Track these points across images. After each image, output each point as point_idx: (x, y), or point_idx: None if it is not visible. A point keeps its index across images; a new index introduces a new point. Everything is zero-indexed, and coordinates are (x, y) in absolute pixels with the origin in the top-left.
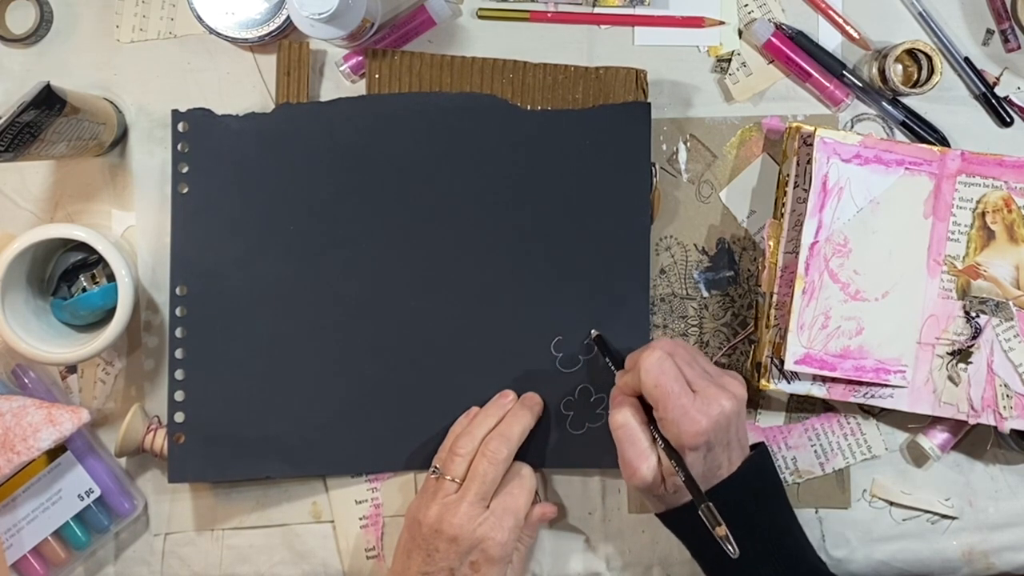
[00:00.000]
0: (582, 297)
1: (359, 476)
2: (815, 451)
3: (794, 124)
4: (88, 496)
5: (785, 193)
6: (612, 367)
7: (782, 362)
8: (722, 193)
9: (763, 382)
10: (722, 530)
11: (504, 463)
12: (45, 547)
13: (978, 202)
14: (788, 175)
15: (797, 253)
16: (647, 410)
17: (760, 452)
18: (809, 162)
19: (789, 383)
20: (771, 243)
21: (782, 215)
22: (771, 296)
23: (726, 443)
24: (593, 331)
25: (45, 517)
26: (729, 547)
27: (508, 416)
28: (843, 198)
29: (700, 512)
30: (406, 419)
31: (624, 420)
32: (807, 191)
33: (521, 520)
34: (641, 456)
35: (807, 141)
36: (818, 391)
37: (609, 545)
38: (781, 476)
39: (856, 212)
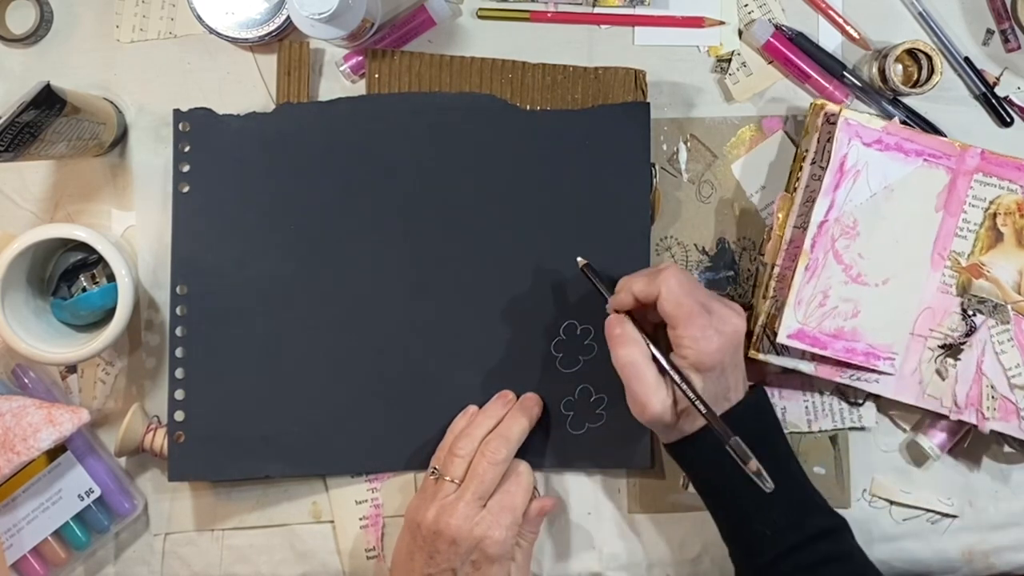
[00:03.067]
0: (583, 297)
1: (359, 476)
2: (806, 407)
3: (819, 101)
4: (88, 496)
5: (801, 168)
6: (604, 294)
7: (775, 334)
8: (734, 165)
9: (752, 351)
10: (754, 465)
11: (503, 464)
12: (45, 547)
13: (991, 202)
14: (807, 151)
15: (805, 229)
16: (650, 339)
17: (757, 386)
18: (830, 140)
19: (779, 355)
20: (780, 215)
21: (795, 189)
22: (773, 267)
23: (735, 364)
24: (580, 259)
25: (45, 517)
26: (765, 483)
27: (507, 417)
28: (858, 181)
29: (728, 448)
30: (406, 419)
31: (630, 357)
32: (824, 169)
33: (519, 517)
34: (650, 390)
35: (830, 120)
36: (806, 367)
37: (609, 545)
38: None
39: (869, 196)
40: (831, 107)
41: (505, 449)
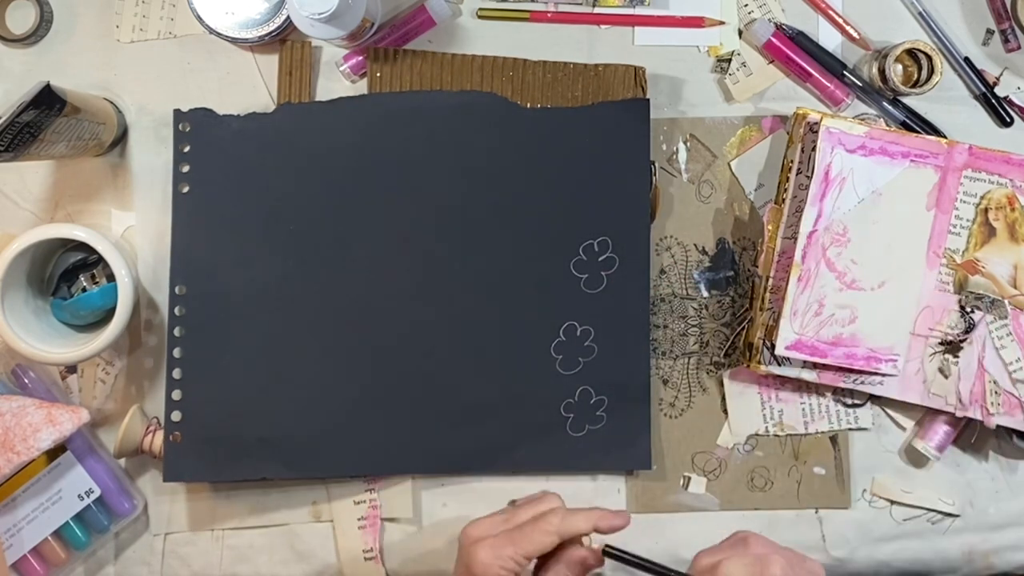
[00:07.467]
0: (582, 298)
1: (357, 477)
2: (803, 409)
3: (801, 110)
4: (88, 496)
5: (788, 178)
6: (660, 569)
7: (774, 345)
8: (733, 163)
9: (753, 363)
10: None
11: (548, 535)
12: (45, 547)
13: (982, 198)
14: (792, 161)
15: (796, 239)
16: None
17: None
18: (814, 149)
19: (780, 365)
20: (770, 227)
21: (783, 200)
22: (767, 280)
23: None
24: (608, 546)
25: (45, 517)
26: None
27: (582, 514)
28: (845, 188)
29: None
30: (405, 421)
31: None
32: (810, 178)
33: (520, 557)
34: None
35: (813, 128)
36: (808, 375)
37: None
38: (764, 426)
39: (858, 202)
40: (812, 116)
41: (556, 535)
